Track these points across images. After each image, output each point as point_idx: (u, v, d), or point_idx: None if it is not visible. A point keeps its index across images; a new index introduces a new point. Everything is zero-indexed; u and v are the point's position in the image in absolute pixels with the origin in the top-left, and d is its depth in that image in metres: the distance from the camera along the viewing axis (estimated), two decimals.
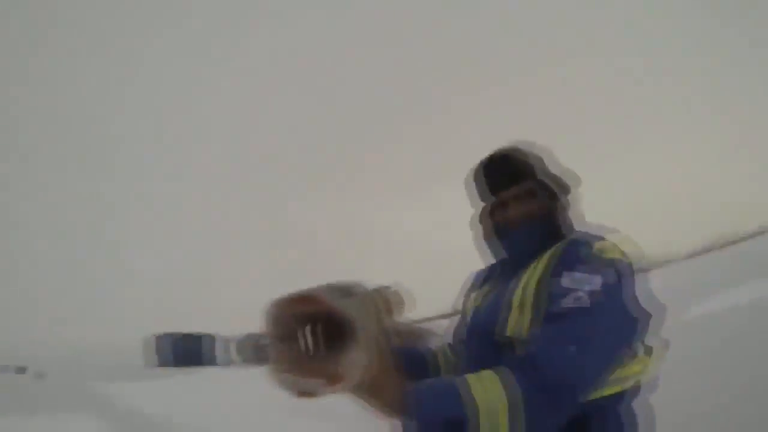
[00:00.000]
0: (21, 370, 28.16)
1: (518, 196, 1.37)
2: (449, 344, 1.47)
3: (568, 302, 1.05)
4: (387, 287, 1.13)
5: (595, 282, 1.06)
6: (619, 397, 1.10)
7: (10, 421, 9.64)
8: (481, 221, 1.47)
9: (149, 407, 10.11)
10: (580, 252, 1.16)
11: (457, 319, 1.48)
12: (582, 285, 1.06)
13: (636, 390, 1.14)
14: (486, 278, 1.48)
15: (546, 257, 1.24)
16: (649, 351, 1.16)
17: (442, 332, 1.55)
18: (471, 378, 0.95)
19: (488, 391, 0.92)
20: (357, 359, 0.79)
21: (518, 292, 1.19)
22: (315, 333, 0.87)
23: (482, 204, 1.47)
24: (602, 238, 1.23)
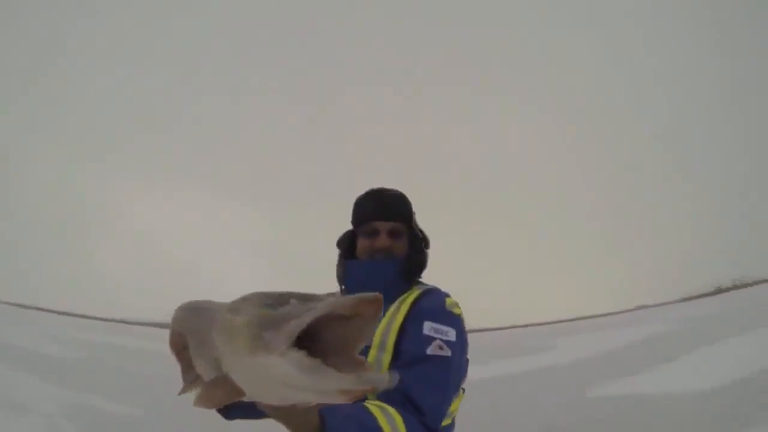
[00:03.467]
0: None
1: (393, 230, 1.58)
2: None
3: (433, 349, 1.26)
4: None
5: (451, 334, 1.31)
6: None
7: None
8: (343, 244, 1.66)
9: None
10: (439, 304, 1.41)
11: None
12: (441, 335, 1.30)
13: (452, 426, 1.38)
14: None
15: (408, 302, 1.45)
16: (462, 391, 1.43)
17: None
18: (376, 410, 1.09)
19: (396, 429, 1.08)
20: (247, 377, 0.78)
21: (379, 330, 1.35)
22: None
23: (350, 228, 1.67)
24: (448, 294, 1.50)
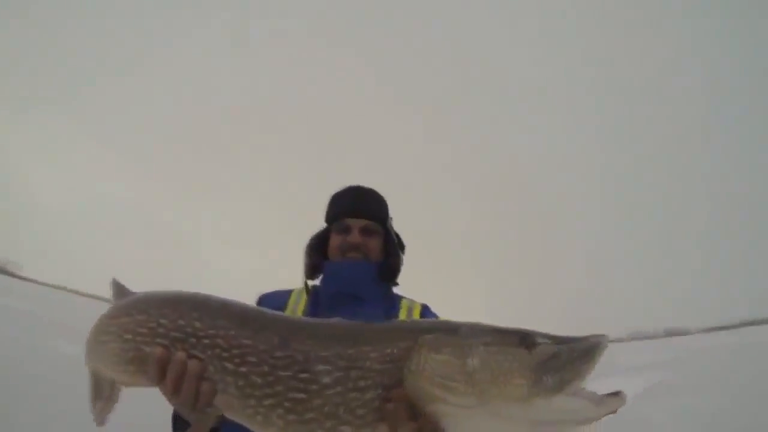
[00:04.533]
0: None
1: (366, 228, 1.55)
2: None
3: None
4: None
5: None
6: None
7: None
8: (314, 240, 1.61)
9: None
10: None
11: None
12: None
13: None
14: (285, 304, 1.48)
15: (416, 316, 1.46)
16: None
17: None
18: None
19: None
20: None
21: None
22: None
23: (325, 225, 1.63)
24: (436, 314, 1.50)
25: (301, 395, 0.89)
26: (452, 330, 0.85)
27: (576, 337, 0.82)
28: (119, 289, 1.24)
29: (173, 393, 0.99)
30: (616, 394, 0.76)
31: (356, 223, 1.55)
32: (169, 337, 1.02)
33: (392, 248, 1.59)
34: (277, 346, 0.94)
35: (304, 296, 1.52)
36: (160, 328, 1.04)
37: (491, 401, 0.76)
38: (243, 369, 0.95)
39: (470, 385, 0.78)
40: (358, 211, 1.56)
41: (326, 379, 0.89)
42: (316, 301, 1.49)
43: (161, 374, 1.00)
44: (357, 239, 1.52)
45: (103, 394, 1.17)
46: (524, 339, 0.80)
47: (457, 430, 0.80)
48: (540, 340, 0.80)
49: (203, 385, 0.97)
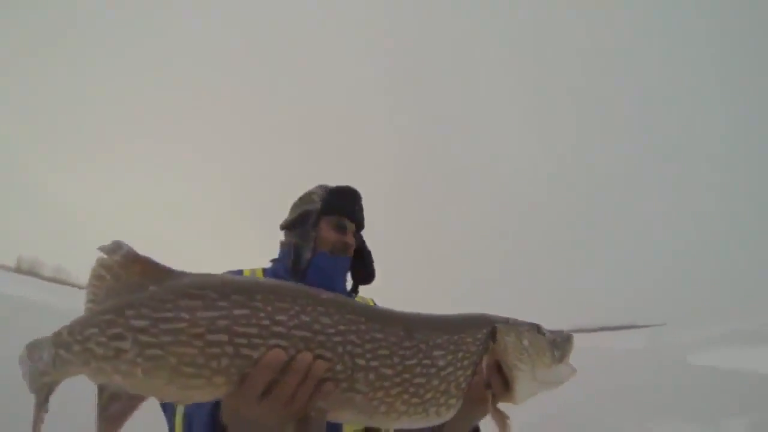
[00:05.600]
0: None
1: (353, 233, 1.65)
2: None
3: None
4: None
5: None
6: None
7: None
8: (301, 225, 1.61)
9: None
10: None
11: None
12: None
13: None
14: None
15: None
16: None
17: None
18: None
19: None
20: None
21: None
22: None
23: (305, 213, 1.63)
24: None
25: (423, 379, 0.99)
26: (505, 320, 1.13)
27: (556, 330, 1.17)
28: (145, 264, 0.85)
29: (286, 403, 0.85)
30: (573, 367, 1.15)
31: (350, 226, 1.62)
32: (290, 337, 0.87)
33: (368, 255, 1.71)
34: (404, 338, 0.99)
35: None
36: (276, 326, 0.86)
37: (536, 368, 1.09)
38: (374, 363, 0.93)
39: (529, 356, 1.09)
40: (355, 214, 1.63)
41: (442, 362, 1.02)
42: None
43: (269, 383, 0.84)
44: (353, 242, 1.60)
45: (111, 413, 0.80)
46: (539, 328, 1.13)
47: (520, 389, 1.08)
48: (543, 330, 1.14)
49: (325, 386, 0.88)
